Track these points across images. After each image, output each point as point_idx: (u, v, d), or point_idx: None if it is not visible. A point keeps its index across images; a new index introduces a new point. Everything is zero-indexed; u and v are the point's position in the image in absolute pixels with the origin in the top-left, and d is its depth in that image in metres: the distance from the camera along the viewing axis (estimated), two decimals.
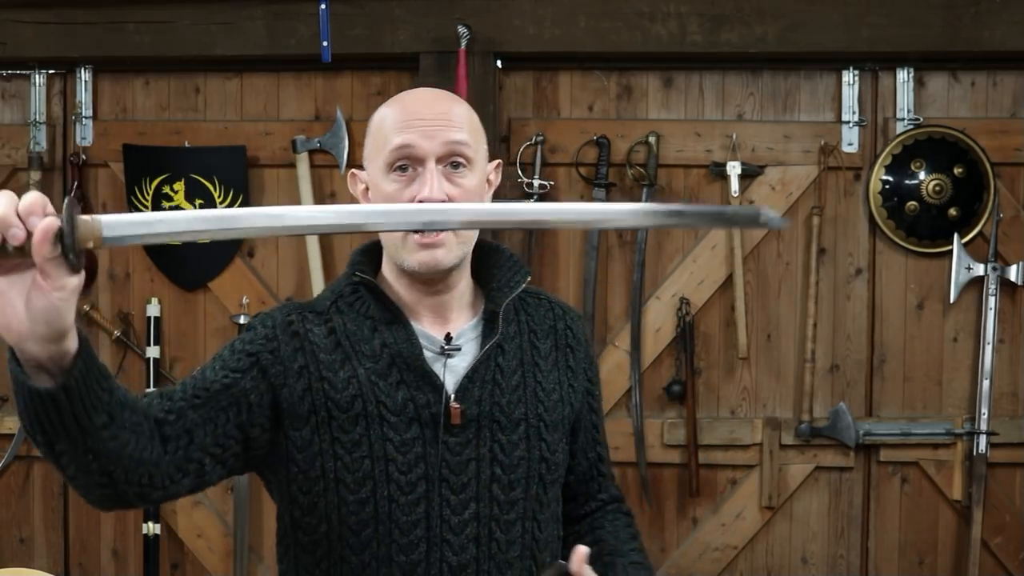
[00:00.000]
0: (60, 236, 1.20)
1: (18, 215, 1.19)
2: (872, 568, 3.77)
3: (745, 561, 3.80)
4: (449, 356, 1.67)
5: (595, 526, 1.85)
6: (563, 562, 1.59)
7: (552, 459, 1.72)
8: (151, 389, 3.79)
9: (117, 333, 3.84)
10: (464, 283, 1.72)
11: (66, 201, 1.21)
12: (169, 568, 3.89)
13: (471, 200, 1.65)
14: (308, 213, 1.35)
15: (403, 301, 1.69)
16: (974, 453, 3.67)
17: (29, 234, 1.20)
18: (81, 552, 3.93)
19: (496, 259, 1.76)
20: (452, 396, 1.64)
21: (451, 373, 1.66)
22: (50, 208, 1.22)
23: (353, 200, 1.73)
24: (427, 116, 1.63)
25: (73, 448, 1.38)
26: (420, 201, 1.60)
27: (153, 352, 3.80)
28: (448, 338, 1.68)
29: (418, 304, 1.69)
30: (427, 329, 1.68)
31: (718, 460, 3.76)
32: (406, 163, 1.63)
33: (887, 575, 3.77)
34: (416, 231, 1.62)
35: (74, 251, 1.21)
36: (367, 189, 1.71)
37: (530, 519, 1.70)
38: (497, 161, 1.76)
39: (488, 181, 1.73)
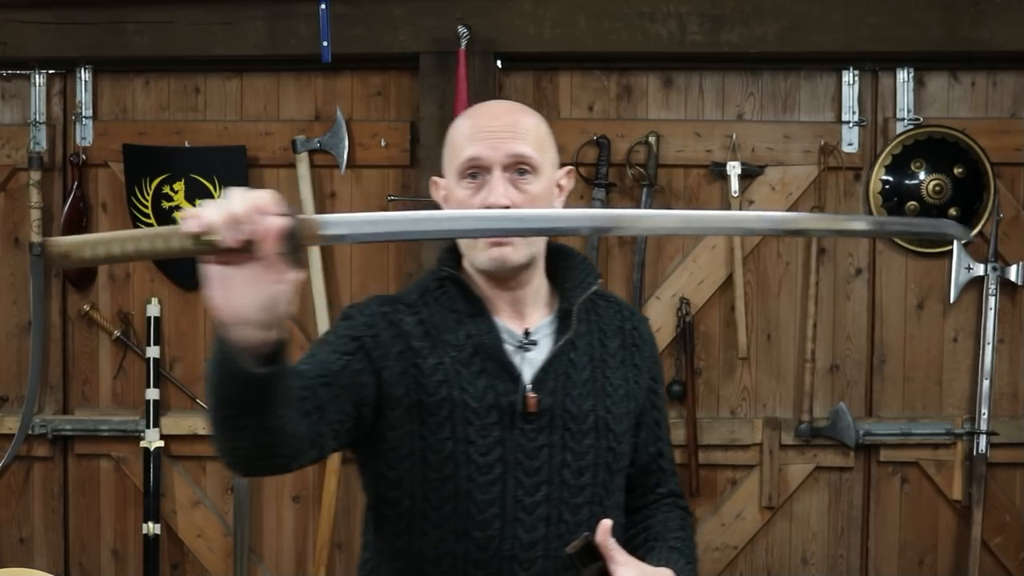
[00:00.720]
0: (287, 234, 1.32)
1: (251, 213, 1.32)
2: (872, 568, 3.77)
3: (745, 561, 3.80)
4: (527, 349, 1.81)
5: (649, 515, 1.97)
6: (588, 534, 1.69)
7: (618, 449, 1.86)
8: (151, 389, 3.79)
9: (117, 333, 3.84)
10: (538, 281, 1.86)
11: (287, 202, 1.35)
12: (169, 568, 3.89)
13: (535, 204, 1.77)
14: (504, 216, 1.57)
15: (485, 296, 1.83)
16: (974, 453, 3.67)
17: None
18: (81, 552, 3.93)
19: (570, 262, 1.89)
20: (529, 387, 1.78)
21: (528, 365, 1.80)
22: (278, 206, 1.34)
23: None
24: (494, 128, 1.78)
25: (259, 424, 1.49)
26: (486, 206, 1.74)
27: (153, 352, 3.80)
28: (526, 333, 1.82)
29: (497, 299, 1.82)
30: (506, 323, 1.82)
31: (718, 460, 3.76)
32: (476, 171, 1.78)
33: (887, 575, 3.77)
34: None
35: (299, 248, 1.34)
36: (446, 195, 1.85)
37: (596, 504, 1.82)
38: (568, 167, 1.89)
39: (559, 186, 1.86)
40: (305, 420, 1.62)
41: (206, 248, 1.33)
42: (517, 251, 1.77)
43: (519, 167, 1.77)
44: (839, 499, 3.78)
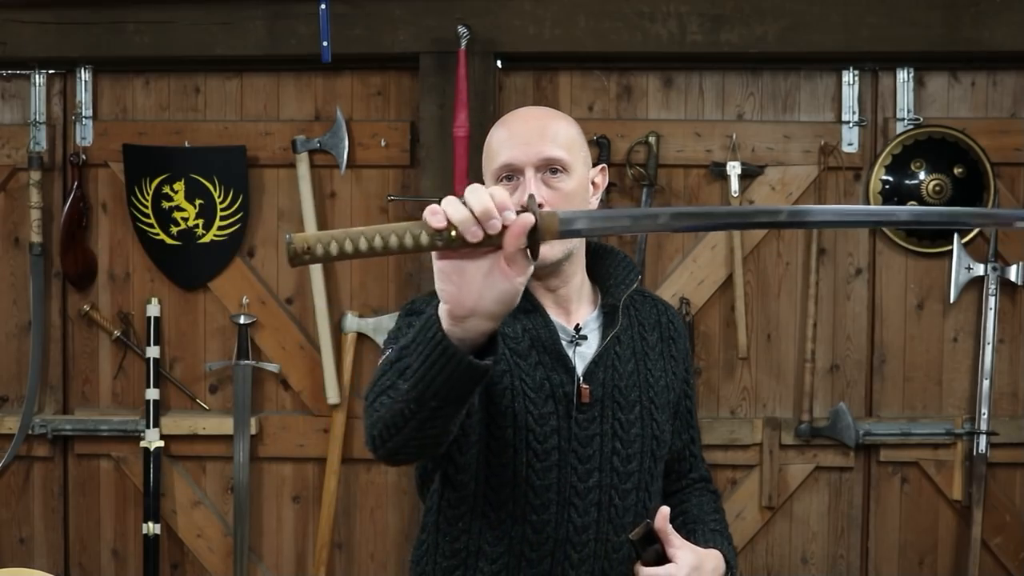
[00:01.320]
0: (532, 229, 1.36)
1: (498, 209, 1.35)
2: (872, 568, 3.78)
3: (745, 561, 3.80)
4: (578, 344, 1.91)
5: (683, 499, 2.09)
6: (648, 521, 1.81)
7: (661, 437, 1.97)
8: (151, 389, 3.79)
9: (117, 333, 3.84)
10: (579, 278, 1.95)
11: (528, 197, 1.42)
12: (169, 568, 3.89)
13: (568, 201, 1.86)
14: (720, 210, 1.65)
15: (532, 293, 1.92)
16: (974, 453, 3.67)
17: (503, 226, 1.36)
18: (81, 552, 3.94)
19: (611, 259, 2.00)
20: (581, 378, 1.88)
21: (579, 358, 1.91)
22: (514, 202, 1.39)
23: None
24: (524, 133, 1.88)
25: (456, 412, 1.55)
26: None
27: (153, 352, 3.80)
28: (577, 328, 1.92)
29: (543, 296, 1.93)
30: (556, 318, 1.92)
31: (718, 460, 3.76)
32: (511, 174, 1.87)
33: (887, 575, 3.77)
34: None
35: (538, 243, 1.38)
36: None
37: (643, 489, 1.94)
38: (602, 166, 2.00)
39: (593, 184, 1.97)
40: None
41: (451, 243, 1.34)
42: (552, 248, 1.85)
43: (551, 167, 1.86)
44: (839, 499, 3.78)
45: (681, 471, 2.11)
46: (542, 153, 1.86)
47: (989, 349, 3.66)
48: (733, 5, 3.58)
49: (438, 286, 1.41)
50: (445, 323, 1.43)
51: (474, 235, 1.34)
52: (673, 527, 1.94)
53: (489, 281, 1.38)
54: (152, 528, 3.77)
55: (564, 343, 1.90)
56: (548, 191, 1.85)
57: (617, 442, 1.90)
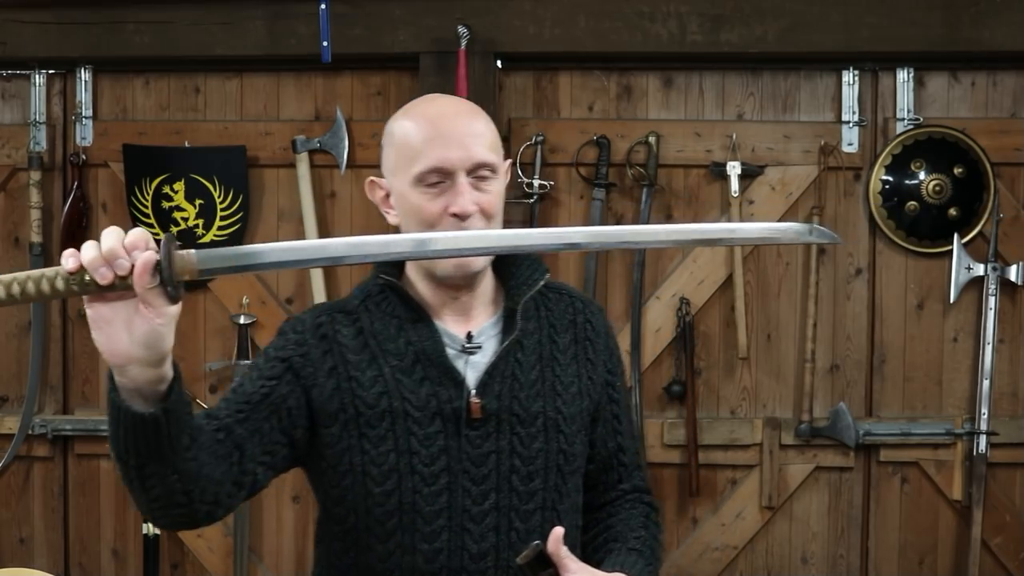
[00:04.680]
0: (159, 268, 1.34)
1: (124, 248, 1.33)
2: (872, 568, 3.77)
3: (745, 561, 3.80)
4: (470, 353, 1.75)
5: (610, 513, 1.90)
6: (539, 543, 1.63)
7: (570, 451, 1.79)
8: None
9: None
10: (487, 282, 1.80)
11: (164, 237, 1.36)
12: (169, 568, 3.89)
13: (498, 203, 1.74)
14: (373, 241, 1.48)
15: (427, 301, 1.77)
16: (974, 453, 3.67)
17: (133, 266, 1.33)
18: (81, 552, 3.93)
19: (515, 258, 1.82)
20: (473, 392, 1.72)
21: (472, 369, 1.75)
22: (152, 243, 1.35)
23: (368, 203, 1.85)
24: (455, 133, 1.72)
25: (163, 469, 1.49)
26: (454, 214, 1.70)
27: None
28: (469, 336, 1.76)
29: (441, 304, 1.77)
30: (449, 327, 1.76)
31: (718, 460, 3.76)
32: (441, 179, 1.71)
33: (887, 575, 3.77)
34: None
35: (172, 282, 1.35)
36: (387, 196, 1.80)
37: (549, 509, 1.77)
38: (508, 160, 1.83)
39: None
40: (223, 463, 1.61)
41: (84, 287, 1.34)
42: (477, 259, 1.72)
43: (481, 172, 1.72)
44: (839, 499, 3.78)
45: (608, 482, 1.91)
46: (475, 157, 1.71)
47: (989, 349, 3.66)
48: (733, 5, 3.58)
49: (93, 335, 1.39)
50: (116, 375, 1.42)
51: (103, 276, 1.33)
52: (595, 544, 1.84)
53: (132, 326, 1.37)
54: (152, 528, 3.77)
55: (452, 354, 1.74)
56: (481, 195, 1.71)
57: (516, 459, 1.73)
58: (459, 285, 1.76)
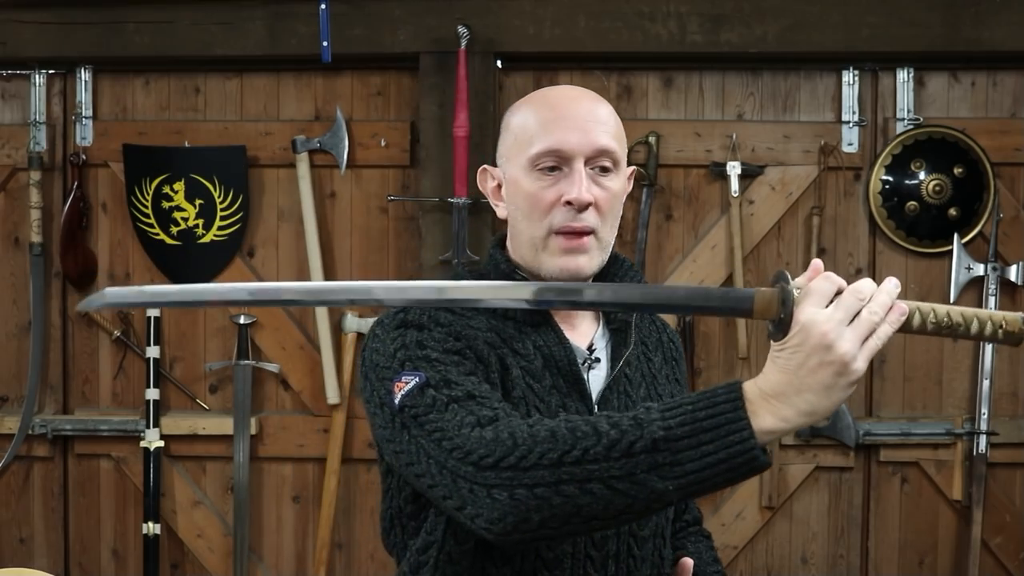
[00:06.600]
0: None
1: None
2: (872, 568, 3.77)
3: (745, 561, 3.80)
4: (590, 367, 1.63)
5: (679, 546, 1.81)
6: None
7: None
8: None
9: (117, 333, 3.84)
10: None
11: (779, 274, 1.32)
12: (169, 568, 3.89)
13: (614, 203, 1.60)
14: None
15: None
16: (974, 453, 3.67)
17: None
18: (81, 552, 3.93)
19: (617, 267, 1.69)
20: (596, 407, 1.60)
21: (593, 382, 1.62)
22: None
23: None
24: (576, 115, 1.58)
25: None
26: (567, 202, 1.56)
27: (153, 352, 3.80)
28: (591, 348, 1.63)
29: (551, 308, 1.62)
30: (565, 335, 1.62)
31: None
32: (556, 164, 1.58)
33: (887, 575, 3.77)
34: (560, 232, 1.57)
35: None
36: (499, 186, 1.66)
37: (659, 536, 1.66)
38: (632, 168, 1.69)
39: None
40: None
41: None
42: (592, 260, 1.59)
43: (600, 163, 1.58)
44: (839, 499, 3.78)
45: (678, 510, 1.81)
46: (596, 143, 1.56)
47: (989, 349, 3.66)
48: (733, 5, 3.58)
49: (815, 402, 1.27)
50: (773, 429, 1.28)
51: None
52: None
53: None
54: (152, 528, 3.77)
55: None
56: (598, 190, 1.57)
57: None
58: None
